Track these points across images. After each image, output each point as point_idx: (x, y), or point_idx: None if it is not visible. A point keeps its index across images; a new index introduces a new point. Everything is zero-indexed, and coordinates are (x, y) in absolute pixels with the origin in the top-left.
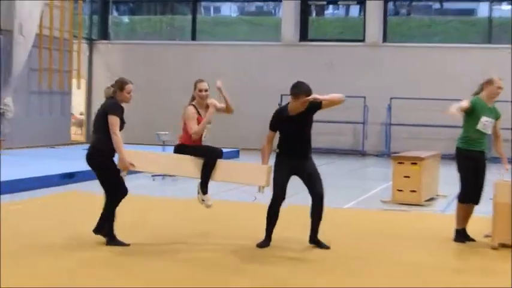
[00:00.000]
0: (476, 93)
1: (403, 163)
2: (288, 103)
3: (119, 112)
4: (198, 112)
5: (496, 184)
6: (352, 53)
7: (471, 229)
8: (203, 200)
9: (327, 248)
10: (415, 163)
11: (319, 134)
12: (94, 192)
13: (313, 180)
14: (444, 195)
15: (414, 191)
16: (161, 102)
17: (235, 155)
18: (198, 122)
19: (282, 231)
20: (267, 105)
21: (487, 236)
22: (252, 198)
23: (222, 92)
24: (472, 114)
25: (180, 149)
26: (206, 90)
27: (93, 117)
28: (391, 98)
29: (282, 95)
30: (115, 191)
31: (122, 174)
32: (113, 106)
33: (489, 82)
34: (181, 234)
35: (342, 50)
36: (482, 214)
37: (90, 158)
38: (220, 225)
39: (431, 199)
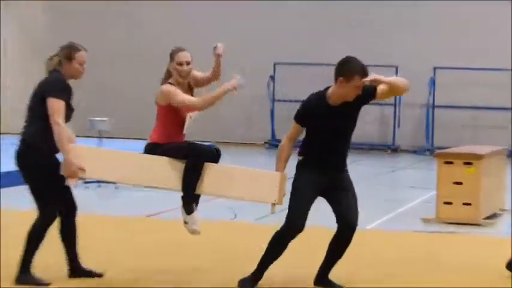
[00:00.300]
0: None
1: (452, 163)
2: (327, 88)
3: (64, 93)
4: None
5: None
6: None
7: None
8: (186, 222)
9: None
10: (470, 163)
11: None
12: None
13: (346, 203)
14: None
15: (468, 204)
16: (97, 77)
17: None
18: (179, 110)
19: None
20: (253, 83)
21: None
22: (231, 216)
23: (219, 59)
24: None
25: (152, 150)
26: (188, 63)
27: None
28: (434, 68)
29: (275, 64)
30: (50, 207)
31: (69, 183)
32: (54, 85)
33: None
34: (132, 274)
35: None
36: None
37: (20, 158)
38: (184, 257)
39: (493, 216)
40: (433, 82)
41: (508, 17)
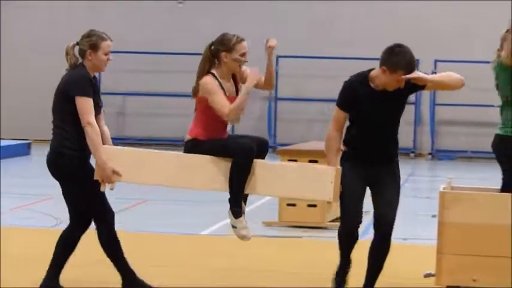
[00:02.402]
0: None
1: (296, 161)
2: (370, 70)
3: (89, 89)
4: (221, 85)
5: (443, 194)
6: None
7: (402, 265)
8: (234, 227)
9: None
10: (316, 161)
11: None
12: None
13: (385, 197)
14: (366, 211)
15: (314, 206)
16: None
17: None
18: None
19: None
20: None
21: (428, 276)
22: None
23: (271, 57)
24: None
25: (193, 147)
26: (245, 55)
27: None
28: (278, 57)
29: None
30: (98, 215)
31: (104, 188)
32: (77, 82)
33: None
34: None
35: None
36: (420, 240)
37: (51, 166)
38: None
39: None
40: (275, 72)
41: (371, 7)
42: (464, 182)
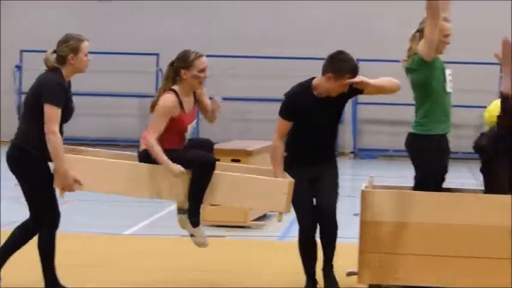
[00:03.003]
0: None
1: (218, 160)
2: (311, 79)
3: (61, 99)
4: (180, 103)
5: (364, 193)
6: None
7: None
8: (192, 235)
9: None
10: (238, 160)
11: None
12: None
13: (326, 187)
14: None
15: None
16: None
17: None
18: (181, 121)
19: None
20: None
21: (350, 274)
22: None
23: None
24: None
25: (149, 157)
26: (204, 70)
27: None
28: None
29: None
30: (46, 214)
31: (61, 195)
32: (53, 90)
33: None
34: None
35: None
36: (342, 239)
37: (11, 160)
38: None
39: (264, 217)
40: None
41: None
42: (385, 181)
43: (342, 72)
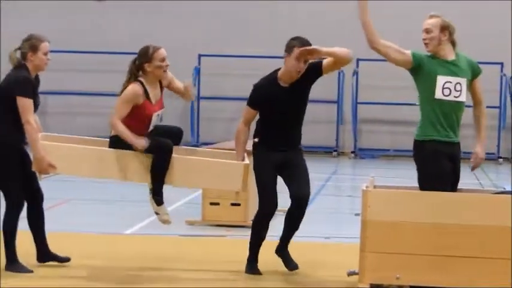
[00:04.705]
0: None
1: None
2: (277, 70)
3: (30, 90)
4: (146, 92)
5: (365, 193)
6: None
7: (326, 264)
8: (157, 213)
9: (295, 268)
10: None
11: None
12: None
13: (299, 177)
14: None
15: (237, 205)
16: None
17: None
18: (145, 110)
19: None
20: None
21: (351, 274)
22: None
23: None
24: None
25: (117, 142)
26: (164, 59)
27: None
28: (200, 56)
29: None
30: (16, 195)
31: (40, 178)
32: (19, 83)
33: None
34: None
35: None
36: (343, 239)
37: None
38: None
39: None
40: (198, 71)
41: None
42: (386, 181)
43: (291, 46)
